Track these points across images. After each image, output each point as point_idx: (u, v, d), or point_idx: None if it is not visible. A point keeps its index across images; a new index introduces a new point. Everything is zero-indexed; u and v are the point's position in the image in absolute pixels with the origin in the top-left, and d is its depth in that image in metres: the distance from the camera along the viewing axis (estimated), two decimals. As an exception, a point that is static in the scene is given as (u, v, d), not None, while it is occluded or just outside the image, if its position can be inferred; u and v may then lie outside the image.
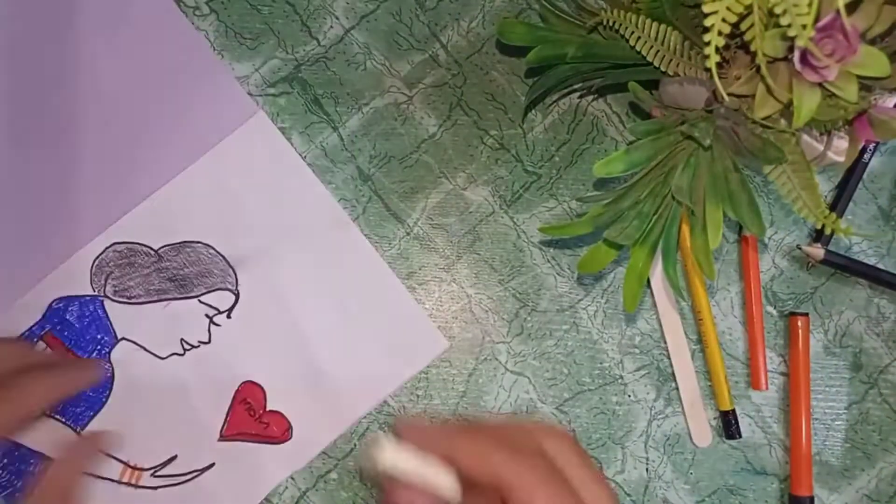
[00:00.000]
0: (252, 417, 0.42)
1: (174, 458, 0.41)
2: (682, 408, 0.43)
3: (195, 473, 0.41)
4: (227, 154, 0.43)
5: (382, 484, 0.29)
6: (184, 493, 0.41)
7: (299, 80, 0.43)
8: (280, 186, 0.43)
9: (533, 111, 0.44)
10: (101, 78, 0.42)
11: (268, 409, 0.42)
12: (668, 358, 0.43)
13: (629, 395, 0.43)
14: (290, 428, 0.42)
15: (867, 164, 0.43)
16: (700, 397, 0.43)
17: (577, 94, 0.44)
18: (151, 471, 0.41)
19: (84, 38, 0.42)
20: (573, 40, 0.38)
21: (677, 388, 0.43)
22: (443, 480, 0.26)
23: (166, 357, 0.42)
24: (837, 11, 0.28)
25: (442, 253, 0.43)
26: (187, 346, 0.42)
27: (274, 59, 0.43)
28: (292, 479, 0.42)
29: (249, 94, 0.43)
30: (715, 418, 0.43)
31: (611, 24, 0.36)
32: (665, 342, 0.43)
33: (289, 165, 0.43)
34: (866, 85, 0.31)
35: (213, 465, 0.41)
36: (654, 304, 0.43)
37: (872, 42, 0.31)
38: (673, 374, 0.43)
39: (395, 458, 0.26)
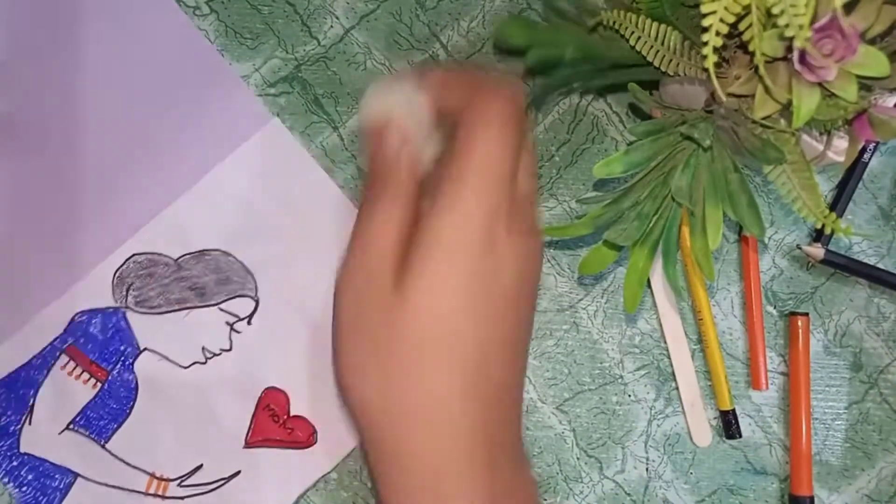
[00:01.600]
0: (276, 423, 0.41)
1: (200, 467, 0.41)
2: (682, 408, 0.43)
3: (222, 482, 0.41)
4: (243, 161, 0.42)
5: (372, 132, 0.33)
6: (211, 501, 0.41)
7: (299, 80, 0.43)
8: (297, 191, 0.42)
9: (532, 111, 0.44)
10: (112, 89, 0.42)
11: (291, 414, 0.41)
12: (668, 358, 0.43)
13: (629, 395, 0.43)
14: (314, 432, 0.41)
15: (867, 163, 0.43)
16: (700, 397, 0.43)
17: (578, 93, 0.44)
18: (178, 481, 0.41)
19: (95, 48, 0.42)
20: (572, 40, 0.38)
21: (677, 388, 0.43)
22: (421, 116, 0.31)
23: (188, 366, 0.41)
24: (835, 11, 0.28)
25: (442, 253, 0.43)
26: (209, 355, 0.42)
27: (274, 59, 0.43)
28: (292, 478, 0.42)
29: (250, 94, 0.43)
30: (715, 418, 0.43)
31: (611, 24, 0.36)
32: (665, 342, 0.43)
33: (305, 170, 0.43)
34: (866, 85, 0.31)
35: (239, 472, 0.41)
36: (654, 304, 0.43)
37: (872, 42, 0.31)
38: (673, 373, 0.43)
39: (384, 97, 0.31)
